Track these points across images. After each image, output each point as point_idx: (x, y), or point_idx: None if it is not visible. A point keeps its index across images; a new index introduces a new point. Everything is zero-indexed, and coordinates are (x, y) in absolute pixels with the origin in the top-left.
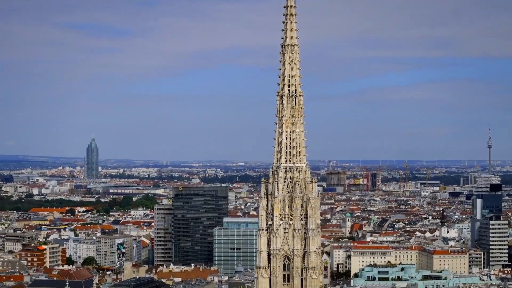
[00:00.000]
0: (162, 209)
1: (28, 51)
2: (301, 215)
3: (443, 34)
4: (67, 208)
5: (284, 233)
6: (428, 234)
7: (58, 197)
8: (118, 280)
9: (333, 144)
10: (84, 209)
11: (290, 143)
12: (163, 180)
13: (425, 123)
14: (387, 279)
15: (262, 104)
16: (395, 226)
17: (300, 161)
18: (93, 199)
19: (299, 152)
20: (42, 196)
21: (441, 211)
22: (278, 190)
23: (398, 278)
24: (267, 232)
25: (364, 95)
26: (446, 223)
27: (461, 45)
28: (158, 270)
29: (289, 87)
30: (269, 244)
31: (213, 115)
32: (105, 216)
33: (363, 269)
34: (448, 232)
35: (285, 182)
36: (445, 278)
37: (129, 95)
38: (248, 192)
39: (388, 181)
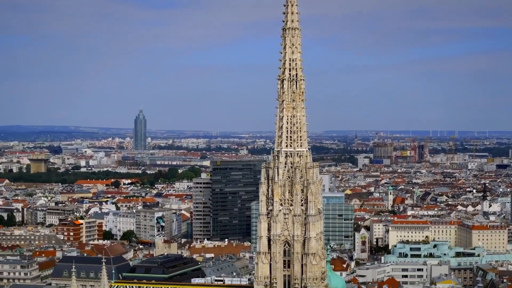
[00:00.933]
0: (201, 183)
1: (79, 24)
2: (301, 200)
3: (499, 4)
4: (112, 180)
5: (284, 218)
6: (470, 208)
7: (105, 169)
8: (149, 256)
9: (385, 114)
10: (129, 181)
11: (291, 128)
12: (211, 151)
13: (479, 93)
14: (419, 256)
15: (312, 75)
16: (438, 199)
17: (301, 146)
18: (139, 171)
19: (300, 136)
20: (89, 168)
21: (484, 185)
22: (278, 175)
23: (431, 255)
24: (268, 217)
25: (419, 65)
26: (489, 197)
27: None
28: (191, 246)
29: (290, 71)
30: (269, 230)
31: (263, 85)
32: (148, 189)
33: (395, 246)
34: (490, 206)
35: (285, 167)
36: (478, 255)
37: (179, 67)
38: None
39: (437, 152)
